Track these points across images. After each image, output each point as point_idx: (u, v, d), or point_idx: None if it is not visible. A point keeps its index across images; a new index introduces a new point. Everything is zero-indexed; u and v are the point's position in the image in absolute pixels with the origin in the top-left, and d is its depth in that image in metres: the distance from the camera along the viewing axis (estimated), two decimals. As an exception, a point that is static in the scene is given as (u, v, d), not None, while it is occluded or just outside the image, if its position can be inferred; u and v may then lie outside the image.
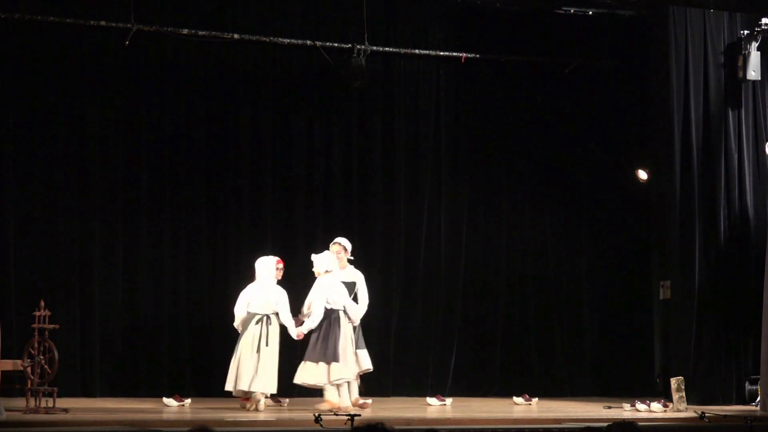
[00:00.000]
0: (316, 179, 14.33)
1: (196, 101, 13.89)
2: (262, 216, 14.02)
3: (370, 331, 13.13)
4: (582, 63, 14.90)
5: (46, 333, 11.02)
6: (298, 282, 12.61)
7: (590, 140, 15.09)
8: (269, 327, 11.65)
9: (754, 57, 13.53)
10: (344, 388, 11.77)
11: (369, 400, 12.10)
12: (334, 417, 9.97)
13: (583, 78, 14.98)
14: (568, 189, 15.22)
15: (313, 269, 11.99)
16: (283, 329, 11.81)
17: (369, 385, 12.71)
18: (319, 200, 14.34)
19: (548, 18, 14.67)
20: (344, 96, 14.30)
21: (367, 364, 12.19)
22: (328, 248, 12.34)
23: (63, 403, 11.08)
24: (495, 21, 14.76)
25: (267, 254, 12.23)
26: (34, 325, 11.02)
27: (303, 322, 11.84)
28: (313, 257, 12.04)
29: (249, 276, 12.23)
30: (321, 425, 9.37)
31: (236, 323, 11.84)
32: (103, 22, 13.15)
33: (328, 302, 11.75)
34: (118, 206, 13.52)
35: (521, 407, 13.07)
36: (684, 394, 12.37)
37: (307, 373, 11.71)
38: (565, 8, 14.42)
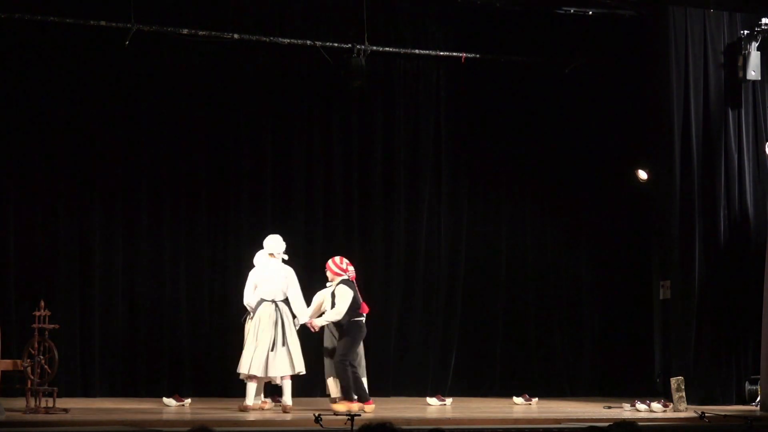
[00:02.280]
0: (316, 179, 14.33)
1: (196, 101, 13.89)
2: (262, 216, 14.00)
3: (371, 331, 13.13)
4: (582, 63, 14.90)
5: (46, 333, 11.02)
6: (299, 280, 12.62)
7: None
8: None
9: (754, 57, 13.54)
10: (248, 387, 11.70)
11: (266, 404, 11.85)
12: (334, 417, 9.97)
13: (583, 78, 14.98)
14: (568, 189, 15.22)
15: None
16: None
17: (369, 384, 12.61)
18: (319, 200, 14.34)
19: (548, 18, 14.67)
20: (344, 96, 14.29)
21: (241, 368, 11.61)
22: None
23: (63, 403, 11.09)
24: (495, 21, 14.76)
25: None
26: (34, 325, 11.02)
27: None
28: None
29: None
30: (321, 425, 9.37)
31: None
32: (103, 22, 13.15)
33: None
34: (118, 207, 13.52)
35: (521, 407, 13.07)
36: (684, 394, 12.38)
37: None
38: (565, 8, 14.43)
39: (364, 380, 11.82)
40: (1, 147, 13.12)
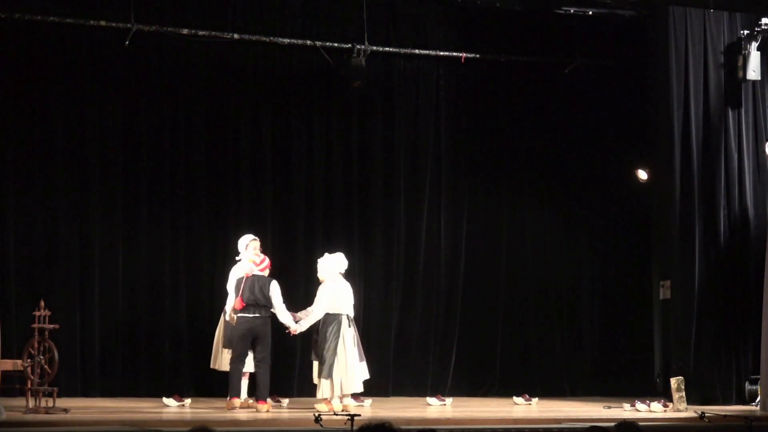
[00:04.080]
0: (316, 179, 14.33)
1: (196, 101, 13.89)
2: (263, 216, 14.00)
3: (371, 331, 13.13)
4: (582, 63, 14.91)
5: (46, 333, 11.02)
6: (299, 280, 12.63)
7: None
8: None
9: (754, 57, 13.54)
10: None
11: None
12: (334, 417, 9.96)
13: (583, 78, 14.98)
14: (568, 189, 15.23)
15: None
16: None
17: (370, 384, 12.58)
18: (319, 200, 14.34)
19: (548, 18, 14.66)
20: (344, 96, 14.30)
21: None
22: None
23: (63, 403, 11.09)
24: (495, 21, 14.76)
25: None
26: (34, 325, 11.02)
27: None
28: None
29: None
30: (321, 425, 9.36)
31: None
32: (103, 22, 13.16)
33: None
34: (118, 206, 13.52)
35: (521, 407, 13.08)
36: (684, 394, 12.38)
37: None
38: (565, 8, 14.42)
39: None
40: (1, 147, 13.12)
